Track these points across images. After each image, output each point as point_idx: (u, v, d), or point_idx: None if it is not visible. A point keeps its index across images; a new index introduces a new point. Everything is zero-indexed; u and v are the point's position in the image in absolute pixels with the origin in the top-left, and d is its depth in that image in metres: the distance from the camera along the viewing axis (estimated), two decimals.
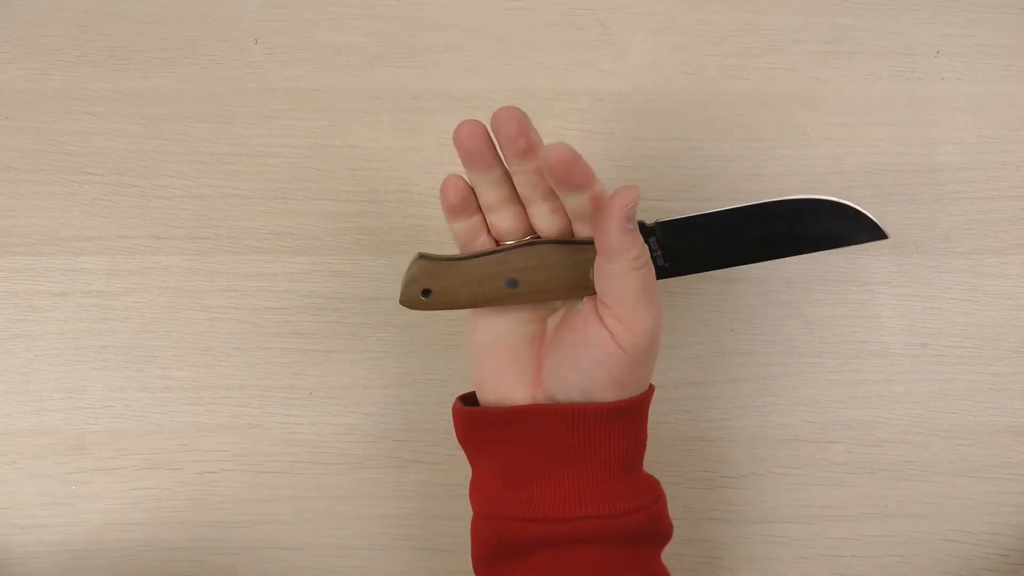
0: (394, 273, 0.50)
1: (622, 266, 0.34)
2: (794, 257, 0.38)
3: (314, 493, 0.49)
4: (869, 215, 0.37)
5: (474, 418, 0.38)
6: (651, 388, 0.39)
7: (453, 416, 0.40)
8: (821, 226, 0.37)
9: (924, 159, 0.52)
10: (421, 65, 0.52)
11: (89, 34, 0.52)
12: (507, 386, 0.38)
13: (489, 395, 0.39)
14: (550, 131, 0.52)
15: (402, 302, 0.38)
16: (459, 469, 0.49)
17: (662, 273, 0.38)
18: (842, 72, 0.52)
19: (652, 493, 0.38)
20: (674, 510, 0.45)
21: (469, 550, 0.40)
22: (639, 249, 0.35)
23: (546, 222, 0.38)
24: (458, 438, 0.40)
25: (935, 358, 0.50)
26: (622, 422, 0.36)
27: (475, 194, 0.38)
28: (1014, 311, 0.50)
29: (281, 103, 0.52)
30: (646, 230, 0.37)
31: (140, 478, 0.49)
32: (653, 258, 0.37)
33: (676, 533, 0.40)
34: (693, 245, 0.38)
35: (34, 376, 0.49)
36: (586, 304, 0.37)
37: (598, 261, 0.35)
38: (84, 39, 0.52)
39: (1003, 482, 0.49)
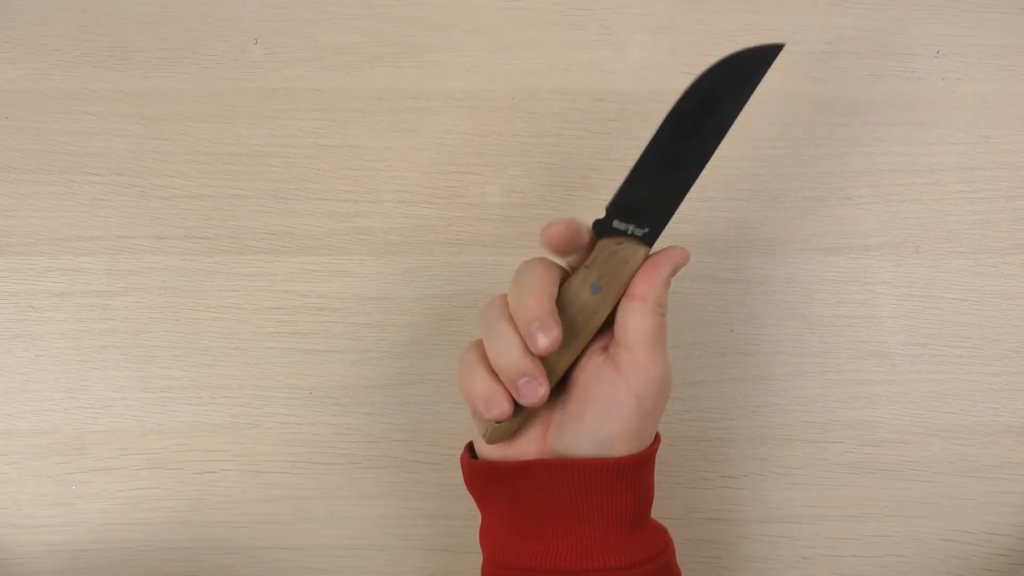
0: (394, 273, 0.50)
1: (653, 309, 0.36)
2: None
3: (314, 493, 0.49)
4: (751, 47, 0.37)
5: (482, 471, 0.38)
6: (658, 438, 0.39)
7: (461, 465, 0.39)
8: (730, 83, 0.37)
9: (924, 159, 0.52)
10: (421, 65, 0.52)
11: (89, 34, 0.52)
12: (511, 444, 0.38)
13: (492, 451, 0.38)
14: (550, 131, 0.52)
15: (489, 441, 0.37)
16: (459, 469, 0.49)
17: (648, 240, 0.37)
18: (842, 72, 0.52)
19: (661, 542, 0.38)
20: (674, 510, 0.45)
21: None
22: (665, 301, 0.37)
23: None
24: (466, 486, 0.39)
25: (935, 358, 0.50)
26: (632, 476, 0.36)
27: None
28: (1014, 311, 0.50)
29: (281, 103, 0.52)
30: (608, 227, 0.37)
31: (140, 478, 0.49)
32: (630, 234, 0.37)
33: (676, 533, 0.40)
34: (647, 196, 0.37)
35: (34, 376, 0.49)
36: (595, 360, 0.37)
37: (629, 304, 0.36)
38: (84, 39, 0.52)
39: (1003, 482, 0.49)
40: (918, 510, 0.49)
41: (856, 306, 0.50)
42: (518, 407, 0.36)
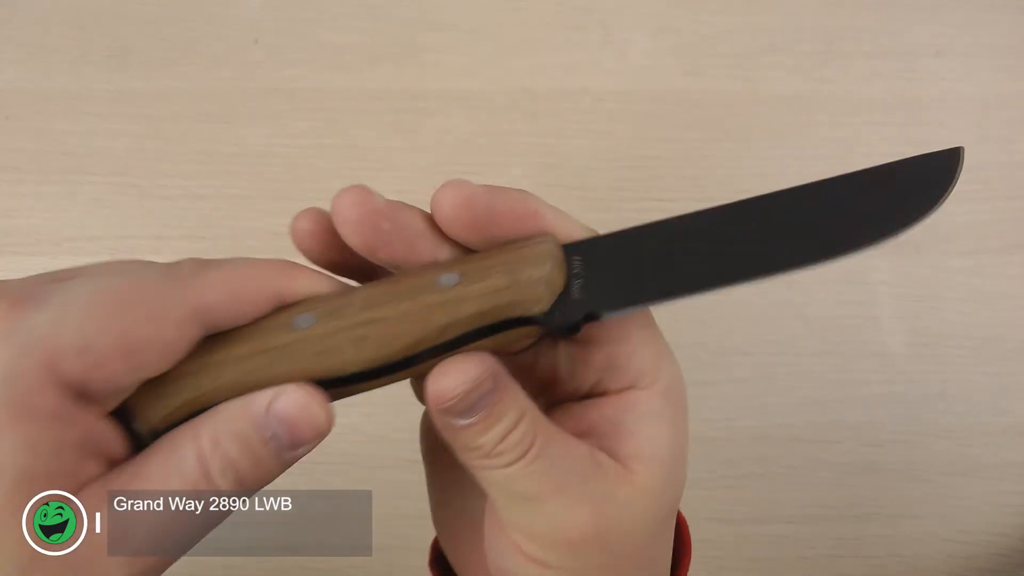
0: None
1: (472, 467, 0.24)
2: None
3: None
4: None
5: None
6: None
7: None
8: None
9: None
10: (421, 65, 0.52)
11: (89, 34, 0.52)
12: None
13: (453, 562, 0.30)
14: (551, 131, 0.52)
15: None
16: None
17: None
18: (842, 72, 0.52)
19: None
20: None
21: None
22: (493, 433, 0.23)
23: None
24: None
25: (935, 358, 0.50)
26: None
27: None
28: (1014, 311, 0.50)
29: (281, 103, 0.52)
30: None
31: None
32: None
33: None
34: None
35: None
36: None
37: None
38: (84, 39, 0.52)
39: (1003, 482, 0.49)
40: (919, 510, 0.49)
41: (856, 306, 0.50)
42: None
